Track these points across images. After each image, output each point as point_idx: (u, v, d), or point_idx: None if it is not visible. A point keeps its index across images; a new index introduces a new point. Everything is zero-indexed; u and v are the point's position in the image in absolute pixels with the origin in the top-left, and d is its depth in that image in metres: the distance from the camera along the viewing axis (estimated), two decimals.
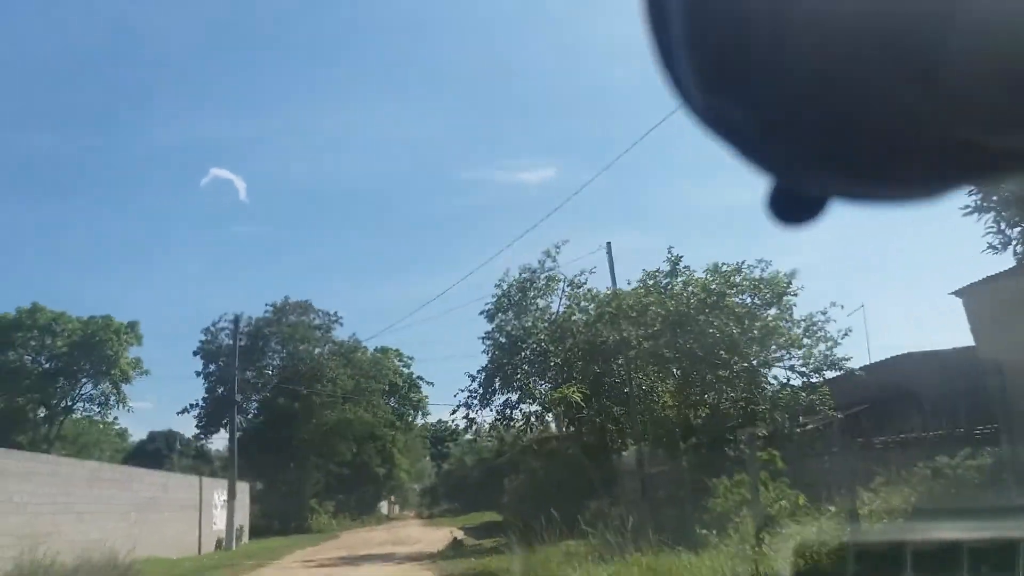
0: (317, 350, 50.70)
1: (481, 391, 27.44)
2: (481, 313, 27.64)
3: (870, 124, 0.65)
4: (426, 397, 67.25)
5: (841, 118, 0.65)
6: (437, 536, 32.15)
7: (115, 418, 55.62)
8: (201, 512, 30.73)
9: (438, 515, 69.25)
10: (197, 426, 50.31)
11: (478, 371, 27.31)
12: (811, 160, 0.73)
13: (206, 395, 50.20)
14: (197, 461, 60.46)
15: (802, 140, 0.70)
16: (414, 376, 65.14)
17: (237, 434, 49.63)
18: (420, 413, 67.62)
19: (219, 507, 32.59)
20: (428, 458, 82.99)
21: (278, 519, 48.18)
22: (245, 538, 38.16)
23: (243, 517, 38.25)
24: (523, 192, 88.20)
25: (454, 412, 28.77)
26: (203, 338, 49.36)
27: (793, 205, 0.82)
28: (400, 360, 63.64)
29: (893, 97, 0.62)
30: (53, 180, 78.33)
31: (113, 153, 79.62)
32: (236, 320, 34.91)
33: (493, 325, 27.42)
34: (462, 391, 28.17)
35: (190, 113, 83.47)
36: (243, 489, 39.31)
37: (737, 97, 0.69)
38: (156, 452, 66.93)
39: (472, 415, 28.86)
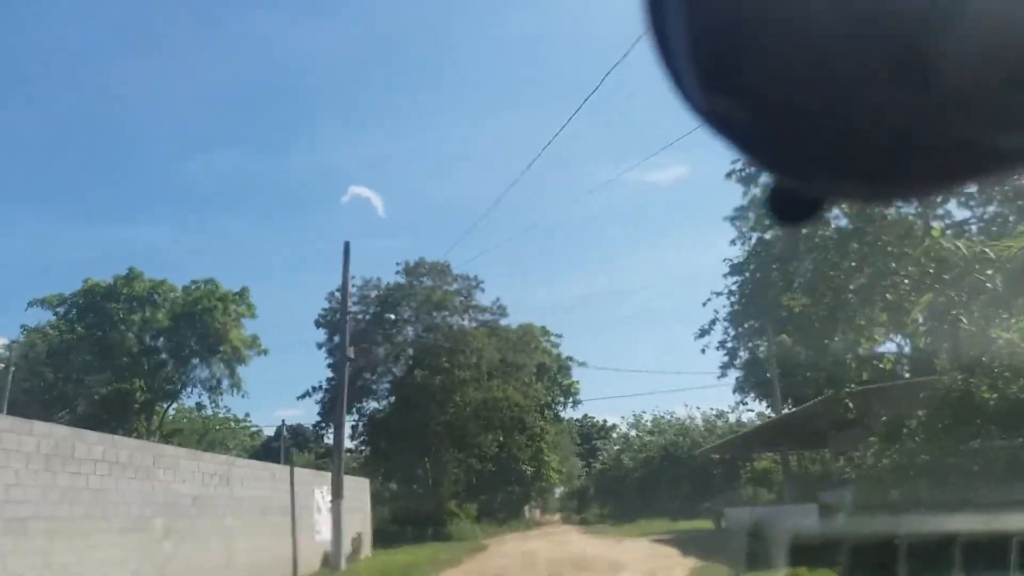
0: (457, 318, 40.30)
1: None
2: None
3: (870, 123, 0.63)
4: (577, 383, 56.13)
5: (841, 117, 0.64)
6: (636, 554, 21.01)
7: (227, 408, 46.85)
8: (295, 517, 20.61)
9: (592, 521, 57.78)
10: (320, 413, 40.69)
11: None
12: (811, 159, 0.70)
13: (331, 376, 40.64)
14: (325, 460, 51.01)
15: (802, 139, 0.68)
16: (563, 357, 54.14)
17: (357, 421, 40.93)
18: (571, 401, 56.36)
19: (325, 510, 22.36)
20: (576, 456, 71.25)
21: (411, 524, 38.15)
22: (367, 549, 27.92)
23: (363, 522, 27.99)
24: (655, 192, 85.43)
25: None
26: (326, 305, 39.83)
27: (793, 204, 0.79)
28: (547, 339, 52.71)
29: (892, 96, 0.61)
30: (216, 196, 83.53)
31: (270, 174, 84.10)
32: (346, 247, 24.41)
33: None
34: None
35: (335, 136, 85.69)
36: (362, 486, 29.09)
37: (737, 96, 0.67)
38: (286, 451, 58.65)
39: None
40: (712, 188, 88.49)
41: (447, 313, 39.75)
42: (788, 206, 0.80)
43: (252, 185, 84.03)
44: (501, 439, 41.88)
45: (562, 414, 59.02)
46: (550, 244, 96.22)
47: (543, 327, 52.15)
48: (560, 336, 54.19)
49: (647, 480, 54.18)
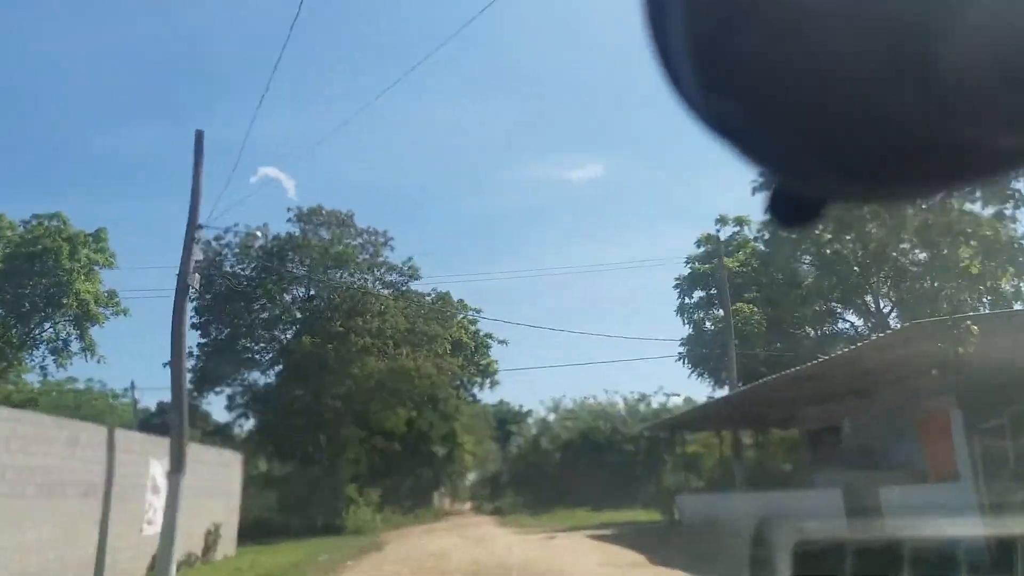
0: (361, 277, 34.07)
1: None
2: None
3: (870, 124, 0.63)
4: (496, 362, 50.46)
5: (841, 118, 0.64)
6: (585, 562, 15.46)
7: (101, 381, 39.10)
8: (110, 499, 14.41)
9: (506, 510, 52.45)
10: (192, 383, 33.77)
11: None
12: (811, 161, 0.70)
13: (203, 340, 33.92)
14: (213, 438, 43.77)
15: (802, 141, 0.68)
16: (481, 334, 48.36)
17: (235, 392, 34.54)
18: (489, 382, 50.67)
19: (162, 491, 16.09)
20: (491, 440, 65.64)
21: (300, 514, 31.99)
22: (228, 546, 21.70)
23: (227, 509, 21.74)
24: (573, 190, 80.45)
25: None
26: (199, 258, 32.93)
27: (794, 207, 0.79)
28: (464, 312, 46.94)
29: (892, 97, 0.60)
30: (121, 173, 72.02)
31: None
32: (199, 136, 17.92)
33: None
34: None
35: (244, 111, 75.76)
36: (228, 462, 22.81)
37: (737, 98, 0.67)
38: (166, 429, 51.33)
39: None
40: (627, 188, 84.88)
41: (348, 271, 33.50)
42: (789, 208, 0.78)
43: (157, 160, 75.23)
44: (413, 414, 35.97)
45: (479, 395, 53.36)
46: (473, 235, 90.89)
47: (461, 300, 46.34)
48: (479, 311, 48.38)
49: (566, 466, 49.27)
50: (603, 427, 47.52)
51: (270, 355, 34.24)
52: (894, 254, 31.40)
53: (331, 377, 31.37)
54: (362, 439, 35.32)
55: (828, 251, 34.54)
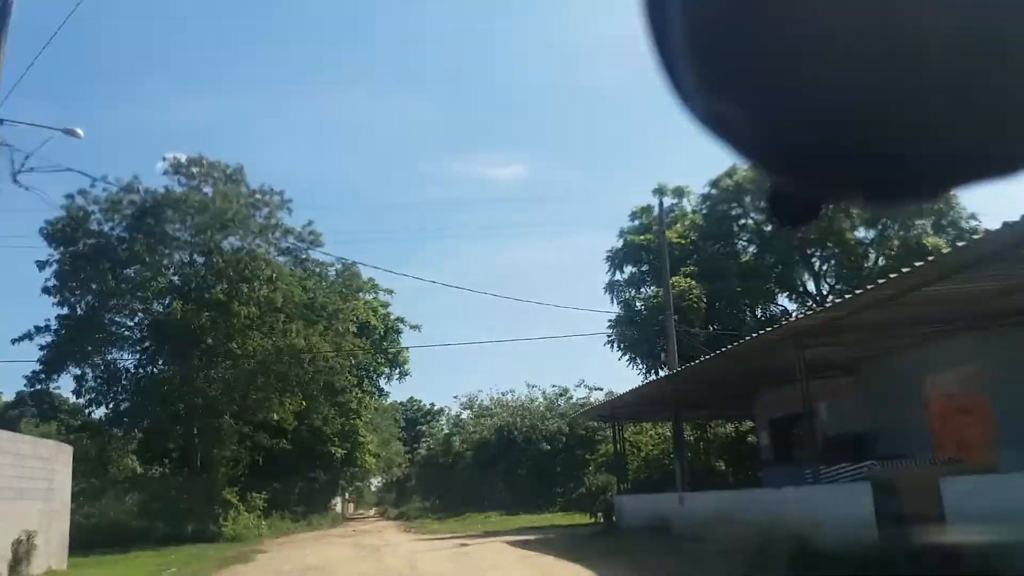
0: (252, 241, 29.07)
1: None
2: None
3: (869, 126, 0.63)
4: (406, 351, 45.87)
5: (840, 120, 0.64)
6: (491, 567, 11.46)
7: None
8: None
9: (412, 515, 48.03)
10: (40, 361, 28.09)
11: None
12: (811, 162, 0.70)
13: (62, 314, 28.33)
14: (80, 435, 37.34)
15: (801, 142, 0.68)
16: (392, 317, 43.70)
17: (84, 374, 28.55)
18: (399, 373, 45.95)
19: None
20: (398, 441, 60.72)
21: (167, 519, 26.85)
22: (53, 559, 16.69)
23: (49, 514, 16.70)
24: (494, 187, 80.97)
25: None
26: (59, 215, 27.48)
27: (793, 207, 0.79)
28: (374, 292, 42.21)
29: (892, 99, 0.60)
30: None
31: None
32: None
33: None
34: None
35: (161, 94, 71.53)
36: (51, 454, 17.70)
37: (736, 99, 0.67)
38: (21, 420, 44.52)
39: None
40: (549, 188, 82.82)
41: (236, 233, 28.47)
42: (788, 208, 0.78)
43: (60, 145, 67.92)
44: (303, 405, 31.11)
45: (386, 388, 48.53)
46: (391, 231, 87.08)
47: (371, 279, 41.68)
48: (391, 292, 43.73)
49: (480, 467, 45.07)
50: (521, 424, 43.45)
51: (141, 330, 28.87)
52: (843, 226, 28.62)
53: (207, 355, 26.40)
54: (244, 434, 30.23)
55: (767, 228, 31.81)
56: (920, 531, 8.53)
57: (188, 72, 72.58)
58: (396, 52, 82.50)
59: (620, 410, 20.45)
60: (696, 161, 71.22)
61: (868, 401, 15.59)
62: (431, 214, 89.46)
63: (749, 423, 29.15)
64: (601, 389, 41.93)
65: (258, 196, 29.86)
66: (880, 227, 29.34)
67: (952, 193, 0.77)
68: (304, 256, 30.94)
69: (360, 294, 40.01)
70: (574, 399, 44.73)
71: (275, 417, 29.62)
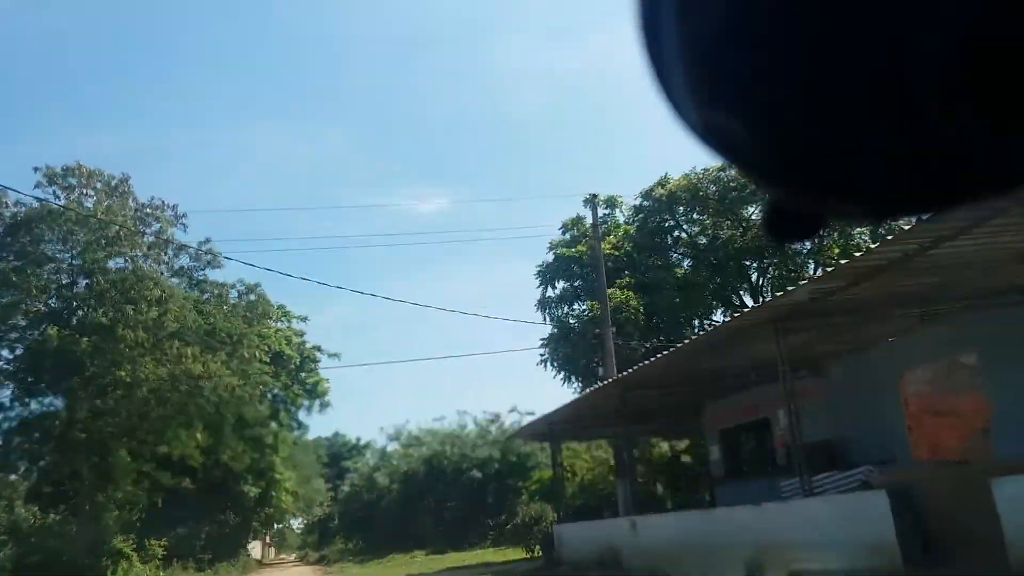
0: (141, 258, 25.98)
1: None
2: None
3: (869, 139, 0.62)
4: (326, 381, 42.80)
5: (840, 133, 0.62)
6: None
7: None
8: None
9: (335, 559, 44.80)
10: None
11: None
12: (809, 176, 0.68)
13: None
14: None
15: (800, 155, 0.66)
16: (308, 345, 40.63)
17: None
18: (319, 404, 42.79)
19: None
20: (320, 478, 56.98)
21: (46, 573, 23.37)
22: None
23: None
24: (417, 220, 78.75)
25: None
26: None
27: (790, 223, 0.77)
28: (286, 319, 39.16)
29: (893, 112, 0.59)
30: None
31: None
32: None
33: None
34: None
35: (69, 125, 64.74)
36: None
37: (731, 111, 0.66)
38: None
39: None
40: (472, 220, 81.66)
41: (122, 252, 25.37)
42: (785, 223, 0.76)
43: None
44: (208, 439, 27.98)
45: (307, 421, 45.23)
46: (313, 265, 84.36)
47: (282, 305, 38.69)
48: (306, 319, 40.77)
49: (407, 503, 42.27)
50: (451, 452, 40.92)
51: (18, 361, 25.38)
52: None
53: (90, 385, 23.20)
54: (140, 472, 26.91)
55: (702, 240, 30.46)
56: (964, 555, 6.51)
57: (98, 106, 68.49)
58: (316, 85, 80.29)
59: (558, 426, 18.27)
60: (624, 189, 70.21)
61: (839, 403, 13.82)
62: (353, 249, 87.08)
63: (685, 441, 27.53)
64: (533, 413, 39.72)
65: (147, 210, 26.87)
66: (818, 236, 28.24)
67: (955, 207, 0.65)
68: (201, 277, 27.97)
69: (270, 321, 37.02)
70: (506, 424, 42.45)
71: (177, 453, 26.47)
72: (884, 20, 0.53)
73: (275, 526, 56.25)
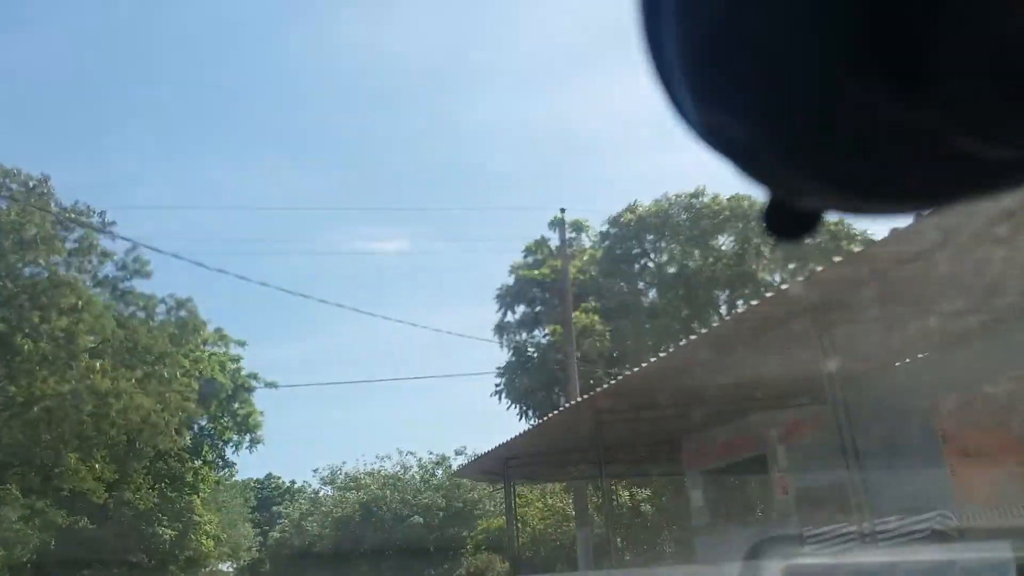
0: (60, 266, 22.85)
1: None
2: None
3: (864, 137, 0.62)
4: (260, 414, 39.20)
5: (839, 130, 0.62)
6: None
7: None
8: None
9: None
10: None
11: None
12: (806, 173, 0.68)
13: None
14: None
15: (797, 153, 0.67)
16: (243, 372, 37.11)
17: None
18: (249, 440, 39.06)
19: None
20: (249, 523, 52.68)
21: None
22: None
23: None
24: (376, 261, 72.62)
25: None
26: None
27: (789, 219, 0.78)
28: (222, 343, 35.78)
29: (892, 109, 0.59)
30: None
31: None
32: None
33: None
34: None
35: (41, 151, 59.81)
36: None
37: (732, 109, 0.66)
38: None
39: None
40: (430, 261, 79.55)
41: (38, 256, 22.22)
42: (784, 221, 0.76)
43: None
44: (115, 474, 24.56)
45: (235, 459, 41.30)
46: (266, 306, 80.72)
47: (219, 329, 35.36)
48: (243, 344, 37.38)
49: (341, 550, 38.68)
50: (391, 497, 37.68)
51: None
52: (753, 267, 25.44)
53: None
54: (28, 514, 23.28)
55: (671, 269, 28.44)
56: None
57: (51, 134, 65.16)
58: (275, 123, 77.67)
59: (513, 464, 15.52)
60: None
61: (852, 437, 11.47)
62: (307, 286, 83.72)
63: (645, 491, 25.08)
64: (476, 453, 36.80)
65: (70, 215, 23.89)
66: (791, 267, 26.44)
67: (951, 204, 0.64)
68: (127, 288, 24.92)
69: (206, 346, 33.76)
70: (454, 467, 39.33)
71: (71, 486, 23.02)
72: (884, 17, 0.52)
73: (202, 570, 51.74)
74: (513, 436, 14.14)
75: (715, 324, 9.22)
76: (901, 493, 10.29)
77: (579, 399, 13.10)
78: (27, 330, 19.75)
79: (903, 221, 6.75)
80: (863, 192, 0.68)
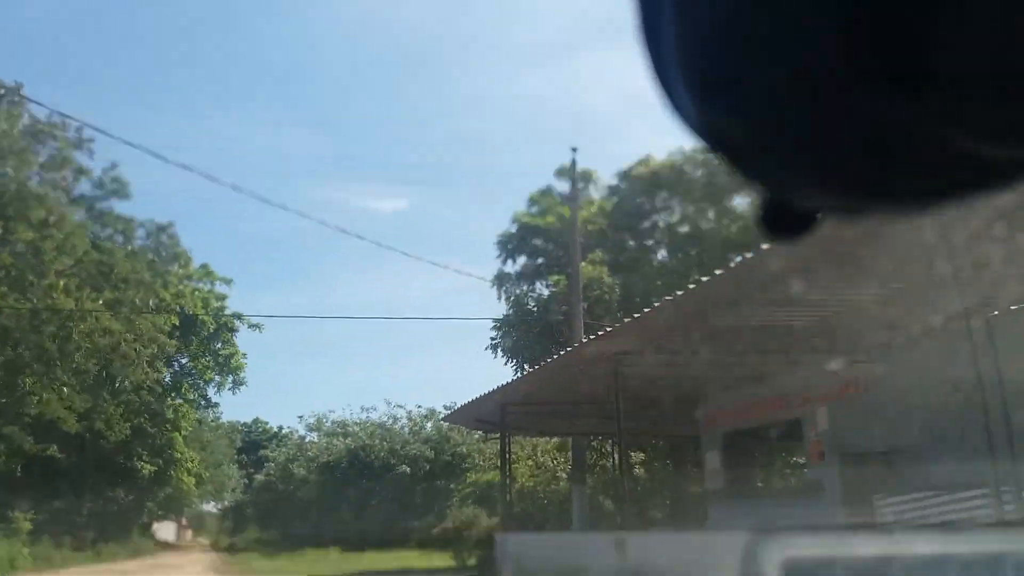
0: (33, 176, 21.02)
1: None
2: None
3: (861, 136, 0.61)
4: (243, 356, 37.53)
5: (837, 130, 0.61)
6: None
7: None
8: None
9: (242, 547, 39.97)
10: None
11: None
12: (804, 173, 0.68)
13: None
14: None
15: (794, 152, 0.66)
16: (226, 311, 35.35)
17: None
18: (232, 381, 37.45)
19: None
20: (235, 465, 51.34)
21: None
22: None
23: None
24: (376, 219, 72.14)
25: None
26: None
27: (786, 219, 0.77)
28: (206, 280, 34.02)
29: (889, 108, 0.58)
30: None
31: None
32: None
33: None
34: None
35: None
36: None
37: (729, 108, 0.65)
38: None
39: None
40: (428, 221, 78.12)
41: (5, 167, 20.32)
42: (781, 221, 0.75)
43: None
44: (87, 401, 22.94)
45: (217, 399, 39.82)
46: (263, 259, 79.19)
47: (205, 265, 33.61)
48: (230, 282, 35.65)
49: (327, 495, 37.53)
50: (378, 447, 36.33)
51: None
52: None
53: None
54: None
55: (684, 228, 26.68)
56: None
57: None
58: (278, 79, 75.53)
59: (513, 409, 13.82)
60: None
61: (902, 401, 9.80)
62: (307, 242, 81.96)
63: (639, 454, 23.67)
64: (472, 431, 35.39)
65: (41, 127, 21.92)
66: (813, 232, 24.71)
67: (949, 203, 0.62)
68: (104, 210, 23.11)
69: (189, 281, 32.00)
70: (443, 423, 37.91)
71: (38, 412, 21.42)
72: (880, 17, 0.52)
73: (185, 508, 50.76)
74: (512, 379, 12.46)
75: (763, 249, 7.39)
76: (953, 462, 8.71)
77: (600, 331, 11.32)
78: None
79: None
80: (862, 192, 0.65)
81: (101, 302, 19.96)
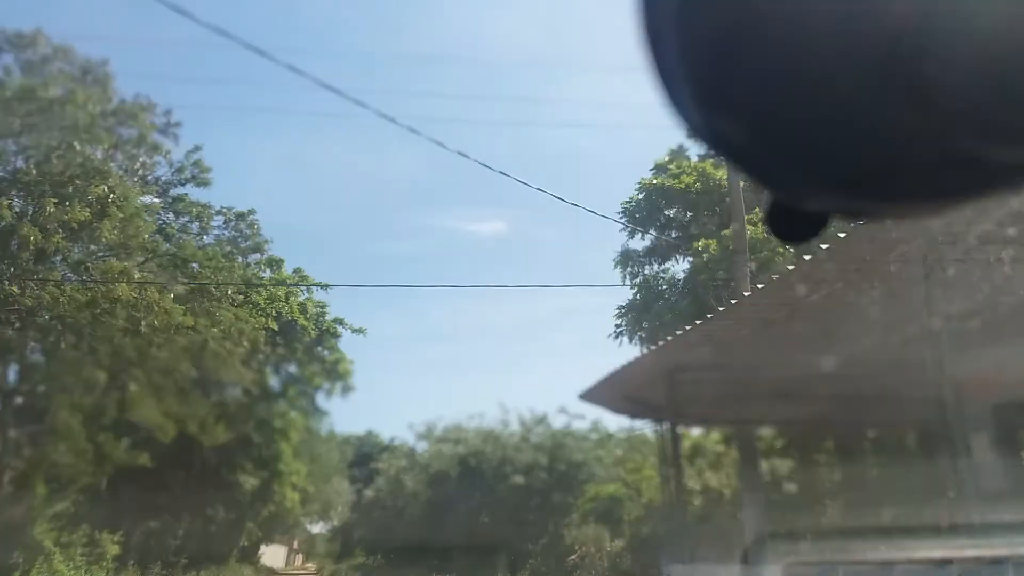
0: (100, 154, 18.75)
1: None
2: None
3: (869, 140, 0.61)
4: (350, 363, 34.73)
5: (839, 134, 0.61)
6: None
7: None
8: None
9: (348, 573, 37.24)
10: None
11: None
12: (810, 176, 0.67)
13: None
14: None
15: (800, 156, 0.65)
16: (326, 314, 32.66)
17: None
18: (340, 388, 34.66)
19: None
20: (346, 480, 48.63)
21: None
22: None
23: None
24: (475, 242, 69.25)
25: None
26: None
27: (793, 222, 0.75)
28: (301, 282, 31.41)
29: (892, 112, 0.58)
30: None
31: None
32: None
33: None
34: None
35: None
36: None
37: (733, 113, 0.65)
38: None
39: None
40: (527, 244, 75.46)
41: (79, 139, 18.02)
42: (787, 223, 0.74)
43: None
44: (181, 407, 20.33)
45: (326, 407, 37.08)
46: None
47: (298, 269, 30.95)
48: (326, 288, 32.95)
49: (435, 512, 34.07)
50: (490, 452, 32.82)
51: None
52: None
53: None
54: (90, 441, 19.31)
55: None
56: None
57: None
58: (386, 102, 74.13)
59: (685, 379, 9.22)
60: None
61: None
62: (404, 266, 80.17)
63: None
64: (583, 417, 31.57)
65: (124, 108, 19.63)
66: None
67: (954, 205, 0.65)
68: (178, 196, 20.63)
69: (265, 272, 29.38)
70: (555, 426, 33.90)
71: (136, 417, 18.89)
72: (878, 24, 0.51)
73: (294, 528, 48.38)
74: (684, 332, 8.36)
75: None
76: None
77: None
78: (40, 218, 15.32)
79: None
80: (869, 195, 0.63)
81: (172, 295, 17.14)
